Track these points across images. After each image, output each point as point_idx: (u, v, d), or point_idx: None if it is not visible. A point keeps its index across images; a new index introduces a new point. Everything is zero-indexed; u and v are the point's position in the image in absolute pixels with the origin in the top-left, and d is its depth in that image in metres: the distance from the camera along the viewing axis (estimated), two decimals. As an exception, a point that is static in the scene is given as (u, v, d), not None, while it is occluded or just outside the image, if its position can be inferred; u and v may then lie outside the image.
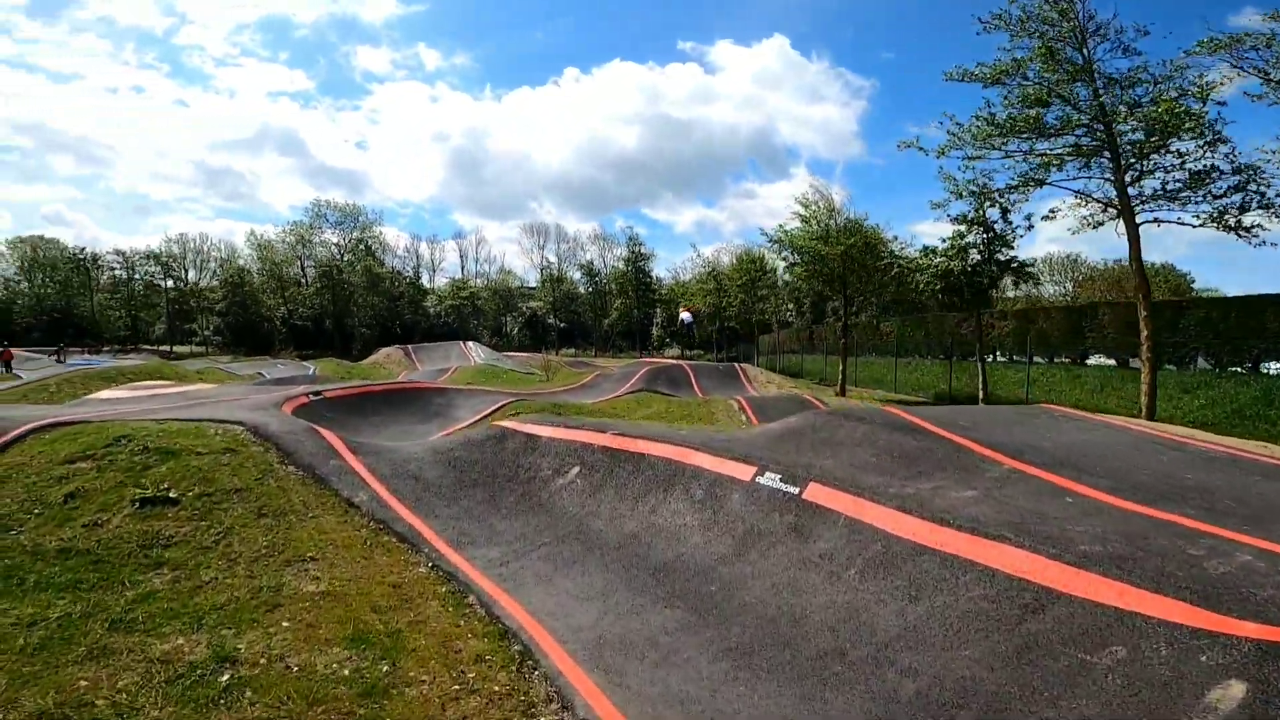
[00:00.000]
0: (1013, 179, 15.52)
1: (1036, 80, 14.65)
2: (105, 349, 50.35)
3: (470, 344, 37.43)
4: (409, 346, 35.78)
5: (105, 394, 11.75)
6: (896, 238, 23.96)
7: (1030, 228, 16.87)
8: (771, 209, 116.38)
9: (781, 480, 5.53)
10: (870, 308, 29.72)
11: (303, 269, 61.08)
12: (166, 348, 56.66)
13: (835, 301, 48.38)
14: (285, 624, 4.28)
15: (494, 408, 15.00)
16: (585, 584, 5.15)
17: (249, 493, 5.98)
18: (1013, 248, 17.14)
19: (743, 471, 5.86)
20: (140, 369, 22.92)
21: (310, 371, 27.04)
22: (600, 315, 63.53)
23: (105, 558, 4.89)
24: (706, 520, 5.70)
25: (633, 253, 61.47)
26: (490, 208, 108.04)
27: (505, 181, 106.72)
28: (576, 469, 6.80)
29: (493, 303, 61.64)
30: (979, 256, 17.22)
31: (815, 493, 5.27)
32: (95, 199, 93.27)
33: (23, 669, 3.71)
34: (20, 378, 23.36)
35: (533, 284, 69.55)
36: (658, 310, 64.82)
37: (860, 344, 28.64)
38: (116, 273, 58.69)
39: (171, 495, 5.70)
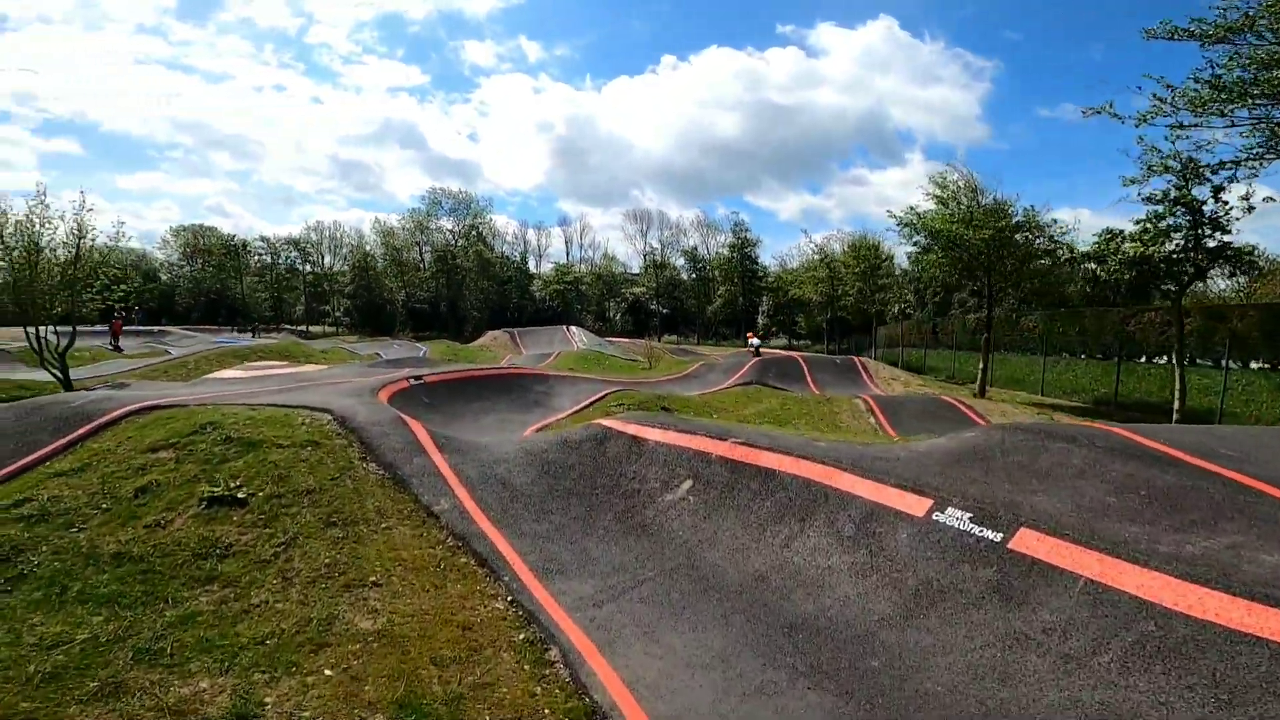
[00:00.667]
0: (1238, 152, 12.52)
1: (1276, 39, 11.63)
2: (251, 329, 55.27)
3: (573, 329, 37.23)
4: (514, 330, 36.11)
5: (223, 373, 11.99)
6: (1056, 221, 20.67)
7: (1251, 209, 13.58)
8: (884, 196, 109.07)
9: (973, 521, 4.05)
10: (1006, 299, 26.33)
11: (420, 254, 64.15)
12: (303, 327, 61.46)
13: (964, 293, 44.04)
14: (328, 671, 3.42)
15: (595, 397, 14.17)
16: (699, 642, 3.97)
17: (321, 495, 5.29)
18: (1229, 231, 13.96)
19: (912, 504, 4.43)
20: (272, 348, 24.30)
21: (422, 352, 27.73)
22: (704, 302, 61.99)
23: (157, 567, 4.30)
24: (860, 565, 4.34)
25: (738, 239, 59.26)
26: (594, 195, 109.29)
27: (608, 169, 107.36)
28: (689, 483, 5.61)
29: (596, 288, 61.75)
30: (1181, 241, 14.17)
31: (1030, 542, 3.76)
32: (249, 191, 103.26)
33: (21, 703, 3.06)
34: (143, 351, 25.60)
35: (635, 270, 69.12)
36: (764, 299, 62.37)
37: (994, 339, 25.46)
38: (263, 258, 64.45)
39: (240, 495, 5.11)
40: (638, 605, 4.42)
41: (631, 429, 6.57)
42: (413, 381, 11.28)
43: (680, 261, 66.67)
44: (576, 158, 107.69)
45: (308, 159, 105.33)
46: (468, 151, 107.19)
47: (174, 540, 4.57)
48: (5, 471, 5.74)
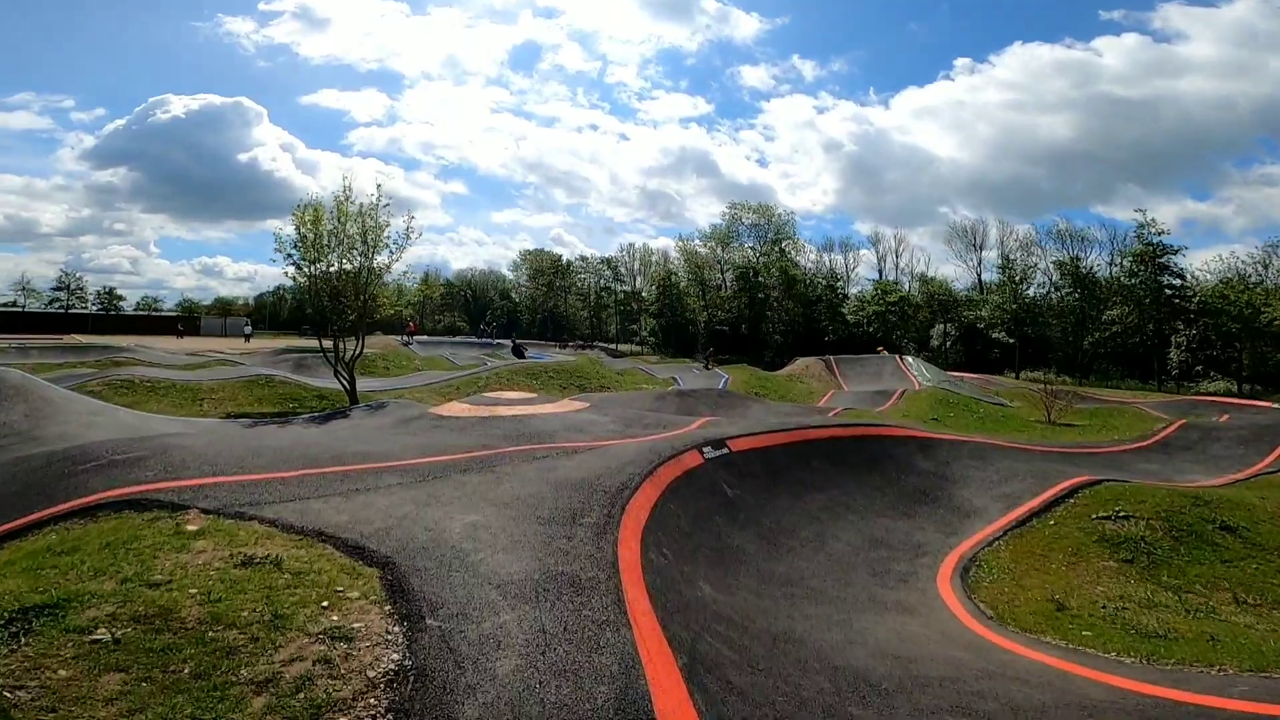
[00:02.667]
0: None
1: None
2: (571, 344, 58.73)
3: (908, 359, 28.84)
4: (831, 358, 29.35)
5: (449, 408, 8.32)
6: None
7: None
8: (1316, 195, 74.71)
9: None
10: None
11: (722, 273, 61.69)
12: (614, 345, 63.76)
13: None
14: None
15: (1047, 495, 7.18)
16: None
17: None
18: None
19: None
20: (564, 367, 22.20)
21: (723, 382, 23.10)
22: (1082, 330, 46.54)
23: None
24: None
25: (1147, 246, 42.66)
26: (894, 214, 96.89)
27: (907, 186, 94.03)
28: None
29: (929, 310, 50.87)
30: None
31: None
32: (580, 223, 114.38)
33: None
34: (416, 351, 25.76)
35: (960, 290, 55.97)
36: (1181, 326, 44.28)
37: None
38: (583, 277, 69.21)
39: None
40: None
41: None
42: (709, 453, 5.94)
43: (1043, 278, 51.65)
44: (870, 176, 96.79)
45: (621, 191, 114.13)
46: (758, 176, 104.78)
47: None
48: None
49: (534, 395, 8.62)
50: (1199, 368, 46.31)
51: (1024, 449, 9.86)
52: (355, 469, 4.36)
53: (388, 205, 13.02)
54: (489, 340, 47.32)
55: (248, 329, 48.58)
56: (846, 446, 7.92)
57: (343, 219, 12.78)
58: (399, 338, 34.72)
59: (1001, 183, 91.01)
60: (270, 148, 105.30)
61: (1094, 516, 7.11)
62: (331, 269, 12.92)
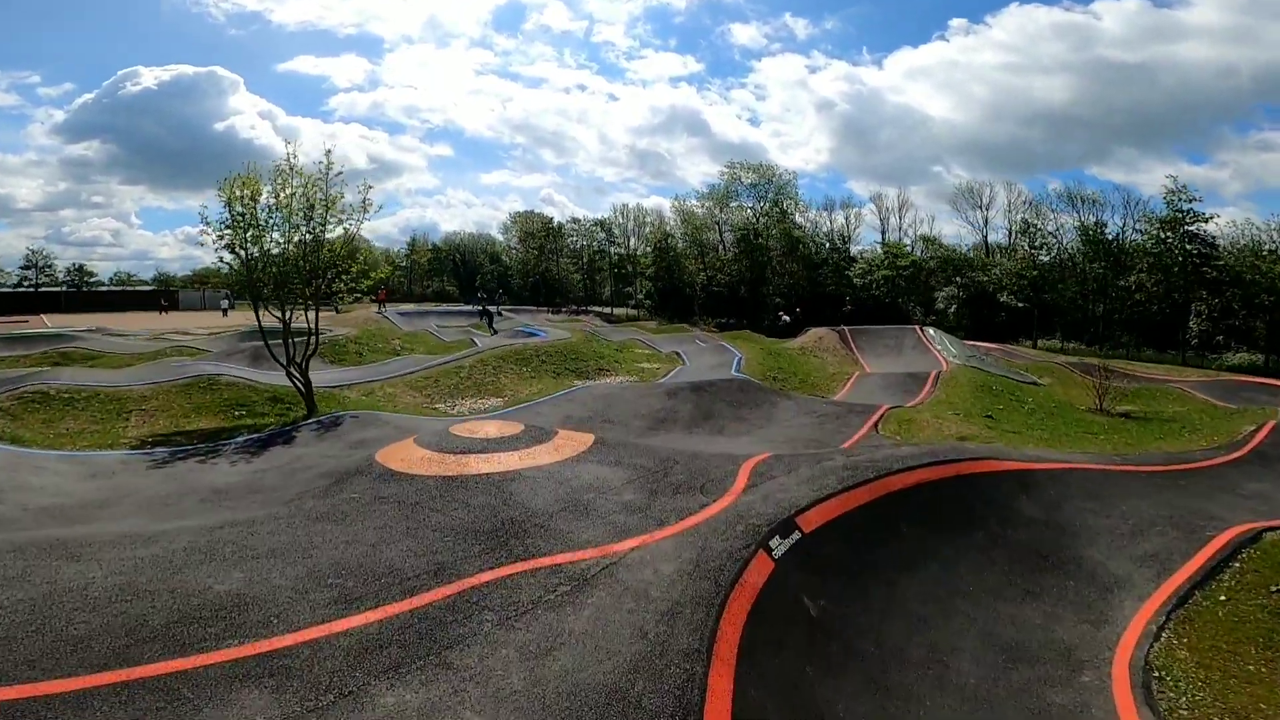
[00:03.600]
0: None
1: None
2: (565, 309, 56.44)
3: (930, 331, 26.77)
4: (845, 329, 27.19)
5: (405, 453, 6.26)
6: None
7: None
8: (1314, 161, 75.41)
9: None
10: None
11: (720, 234, 59.24)
12: (609, 309, 61.56)
13: None
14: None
15: (1206, 555, 5.38)
16: None
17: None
18: None
19: None
20: (555, 349, 20.18)
21: (736, 361, 21.06)
22: (1103, 298, 44.69)
23: None
24: None
25: (1176, 213, 40.48)
26: (887, 174, 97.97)
27: (901, 146, 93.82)
28: None
29: (941, 275, 48.51)
30: None
31: None
32: (569, 182, 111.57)
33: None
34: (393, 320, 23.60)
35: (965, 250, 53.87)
36: (1205, 295, 42.60)
37: None
38: (575, 240, 66.49)
39: None
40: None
41: None
42: (777, 550, 4.01)
43: (1053, 241, 49.49)
44: (863, 135, 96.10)
45: (611, 151, 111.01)
46: (750, 135, 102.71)
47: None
48: None
49: (518, 431, 6.60)
50: (1219, 338, 44.74)
51: (1132, 471, 7.99)
52: (190, 665, 2.44)
53: (340, 174, 10.77)
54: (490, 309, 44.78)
55: (225, 303, 45.77)
56: (935, 495, 6.01)
57: (285, 192, 10.54)
58: (376, 309, 32.57)
59: (995, 143, 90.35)
60: (248, 116, 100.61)
61: (1275, 590, 5.34)
62: (272, 251, 10.75)
